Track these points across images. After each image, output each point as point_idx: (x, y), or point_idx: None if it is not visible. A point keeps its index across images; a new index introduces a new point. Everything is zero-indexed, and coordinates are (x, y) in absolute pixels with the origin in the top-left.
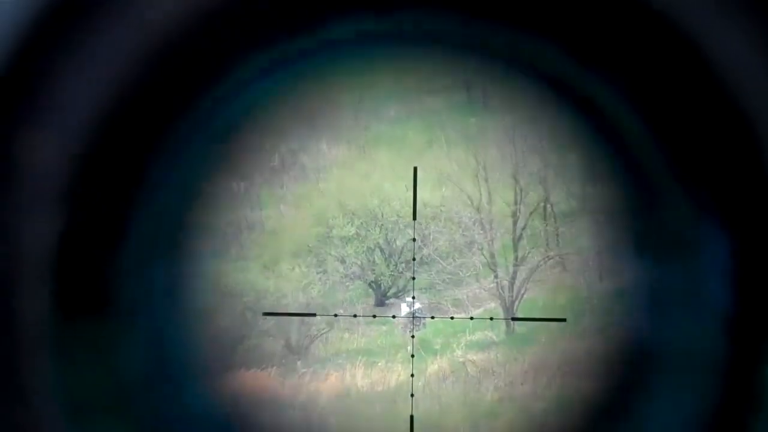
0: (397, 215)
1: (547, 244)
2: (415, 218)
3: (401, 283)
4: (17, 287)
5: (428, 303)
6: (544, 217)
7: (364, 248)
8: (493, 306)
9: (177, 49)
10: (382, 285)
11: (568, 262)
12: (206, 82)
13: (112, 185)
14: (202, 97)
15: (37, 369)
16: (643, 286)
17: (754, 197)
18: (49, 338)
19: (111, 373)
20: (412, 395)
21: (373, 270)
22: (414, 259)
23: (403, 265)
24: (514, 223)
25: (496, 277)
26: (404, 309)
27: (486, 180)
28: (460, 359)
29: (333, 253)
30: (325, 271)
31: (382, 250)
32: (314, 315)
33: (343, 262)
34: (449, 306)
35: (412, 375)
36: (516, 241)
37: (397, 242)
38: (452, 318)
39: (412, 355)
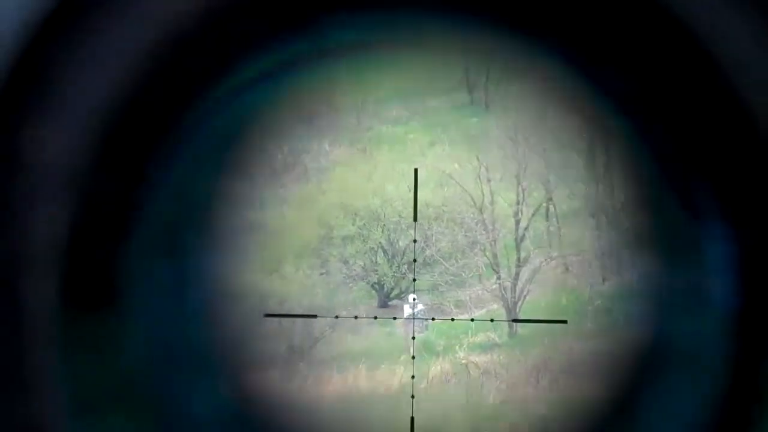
0: (399, 216)
1: (550, 245)
2: (416, 220)
3: (404, 284)
4: (23, 283)
5: (430, 304)
6: (547, 218)
7: (366, 249)
8: (496, 307)
9: (180, 49)
10: (385, 286)
11: (570, 263)
12: (208, 83)
13: (116, 183)
14: (205, 97)
15: (43, 364)
16: (646, 286)
17: (757, 195)
18: (55, 334)
19: (115, 370)
20: (412, 397)
21: (376, 271)
22: (415, 260)
23: (406, 266)
24: (517, 223)
25: (498, 278)
26: (406, 310)
27: (488, 180)
28: (462, 361)
29: (335, 253)
30: (327, 273)
31: (384, 251)
32: (315, 317)
33: (345, 263)
34: (451, 307)
35: (413, 377)
36: (518, 242)
37: (400, 243)
38: (452, 320)
39: (413, 357)
